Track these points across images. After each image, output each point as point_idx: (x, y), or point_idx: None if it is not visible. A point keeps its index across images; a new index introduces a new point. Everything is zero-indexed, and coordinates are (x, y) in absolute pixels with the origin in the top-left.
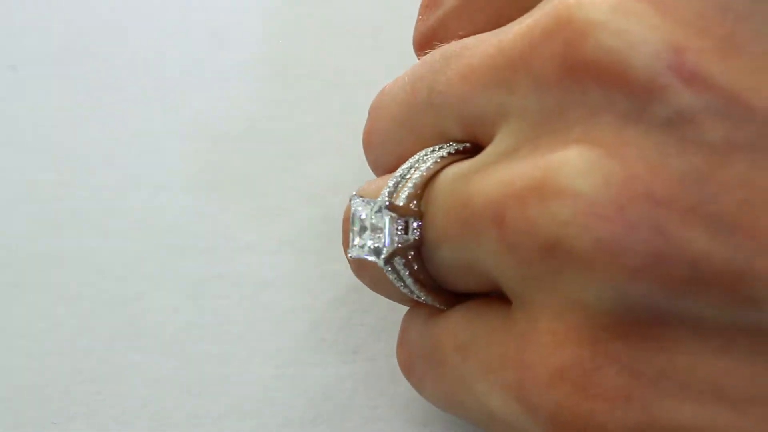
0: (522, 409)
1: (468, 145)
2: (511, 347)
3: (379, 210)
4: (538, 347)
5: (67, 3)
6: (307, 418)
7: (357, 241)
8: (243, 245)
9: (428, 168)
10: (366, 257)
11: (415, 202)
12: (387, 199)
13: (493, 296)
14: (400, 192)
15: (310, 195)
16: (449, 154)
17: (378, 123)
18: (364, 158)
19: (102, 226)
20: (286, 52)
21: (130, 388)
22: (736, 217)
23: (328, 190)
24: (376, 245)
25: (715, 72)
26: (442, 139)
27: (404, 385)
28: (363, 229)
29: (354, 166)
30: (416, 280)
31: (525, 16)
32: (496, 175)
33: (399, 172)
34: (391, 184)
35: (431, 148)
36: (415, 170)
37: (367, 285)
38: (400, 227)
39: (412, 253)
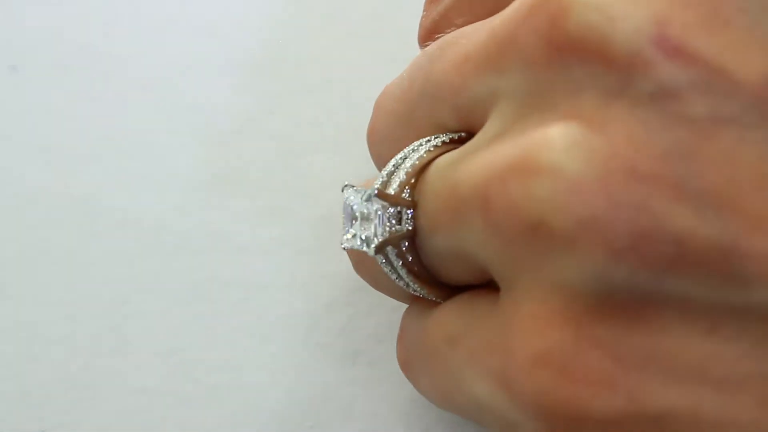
0: (506, 397)
1: (463, 134)
2: (497, 334)
3: (369, 198)
4: (520, 332)
5: (67, 3)
6: (305, 426)
7: (349, 231)
8: (237, 246)
9: (420, 157)
10: (357, 247)
11: (408, 191)
12: (376, 187)
13: (485, 287)
14: (391, 181)
15: (308, 193)
16: (443, 143)
17: (379, 119)
18: (363, 155)
19: (87, 225)
20: (283, 46)
21: (118, 397)
22: (723, 193)
23: (326, 188)
24: (366, 234)
25: (699, 46)
26: (438, 130)
27: (406, 391)
28: (355, 219)
29: (353, 163)
30: (410, 271)
31: None
32: (482, 159)
33: (392, 162)
34: (384, 174)
35: (426, 139)
36: (407, 160)
37: (367, 281)
38: (392, 216)
39: (407, 243)
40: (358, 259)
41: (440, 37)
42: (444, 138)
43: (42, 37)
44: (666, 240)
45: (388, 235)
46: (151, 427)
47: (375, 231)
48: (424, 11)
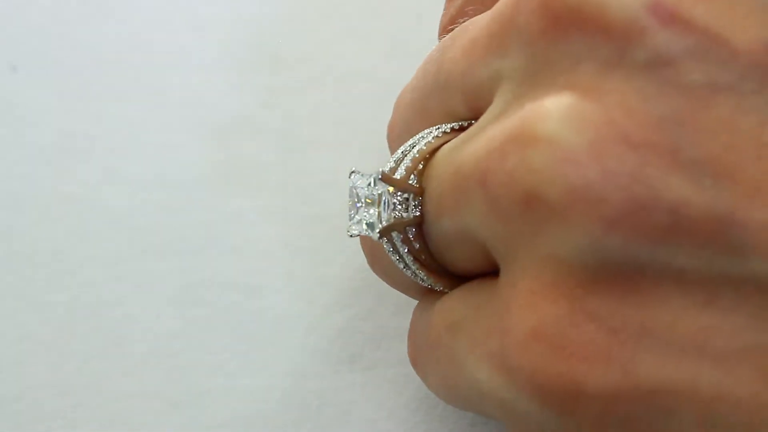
0: (503, 378)
1: (473, 121)
2: (495, 315)
3: (374, 182)
4: (515, 309)
5: (67, 3)
6: None
7: (356, 216)
8: (231, 246)
9: (428, 143)
10: (363, 232)
11: (414, 177)
12: (381, 170)
13: (490, 276)
14: (399, 168)
15: (305, 192)
16: (452, 129)
17: (397, 114)
18: (363, 151)
19: (76, 225)
20: (280, 40)
21: (110, 402)
22: (719, 162)
23: (323, 186)
24: (371, 220)
25: (695, 13)
26: (450, 119)
27: (406, 397)
28: (360, 203)
29: (352, 160)
30: (416, 259)
31: None
32: (483, 137)
33: (401, 149)
34: (392, 160)
35: (435, 126)
36: (415, 147)
37: (380, 276)
38: (398, 202)
39: (414, 230)
40: (371, 253)
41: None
42: (453, 125)
43: (42, 37)
44: (661, 209)
45: (393, 219)
46: None
47: (380, 215)
48: (444, 9)
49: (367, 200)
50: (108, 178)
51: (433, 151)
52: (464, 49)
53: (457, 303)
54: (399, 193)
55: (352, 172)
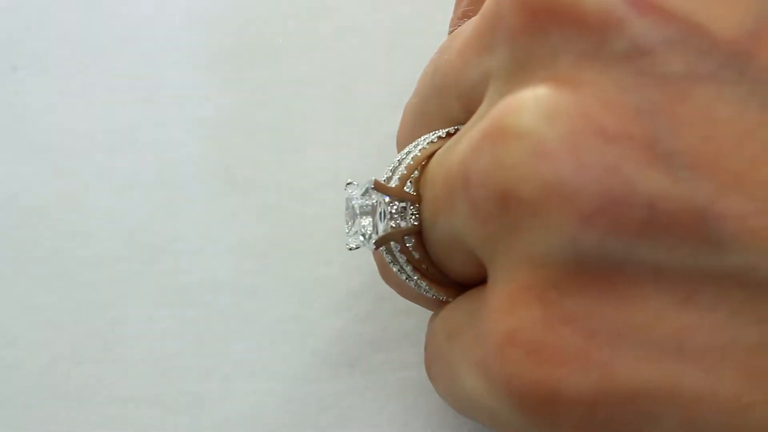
0: (486, 385)
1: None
2: (481, 321)
3: (366, 192)
4: (493, 313)
5: (67, 4)
6: None
7: (352, 228)
8: (226, 247)
9: (422, 149)
10: (360, 244)
11: (410, 185)
12: (373, 179)
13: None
14: (393, 176)
15: (301, 191)
16: (447, 134)
17: (402, 121)
18: (361, 150)
19: (66, 225)
20: (276, 35)
21: (102, 407)
22: (697, 153)
23: (320, 185)
24: (366, 230)
25: (674, 2)
26: (449, 123)
27: (406, 402)
28: (356, 215)
29: (350, 158)
30: (416, 269)
31: None
32: (467, 137)
33: (397, 157)
34: (387, 170)
35: (433, 132)
36: (409, 154)
37: (392, 288)
38: (394, 211)
39: (413, 240)
40: (381, 264)
41: None
42: (450, 129)
43: (43, 37)
44: (637, 203)
45: (390, 229)
46: None
47: (375, 226)
48: (453, 13)
49: (362, 210)
50: (99, 177)
51: (429, 157)
52: (458, 51)
53: (455, 311)
54: (395, 202)
55: (348, 183)
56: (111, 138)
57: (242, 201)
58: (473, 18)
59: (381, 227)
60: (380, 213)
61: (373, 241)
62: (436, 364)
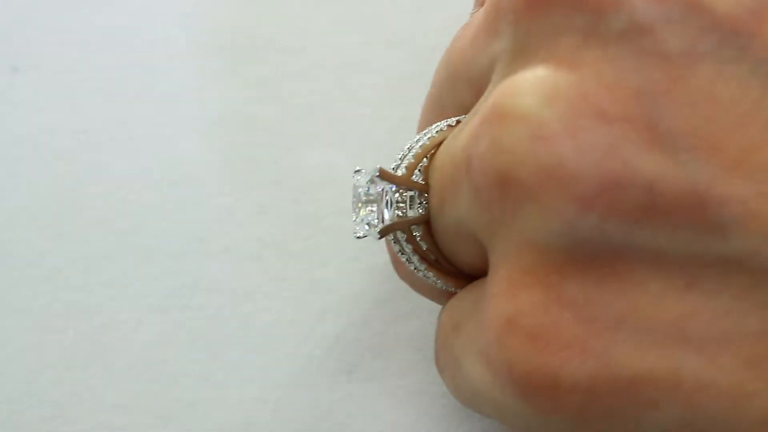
0: (488, 373)
1: None
2: (483, 308)
3: (372, 180)
4: (493, 299)
5: (68, 4)
6: None
7: (358, 217)
8: (219, 248)
9: (431, 137)
10: (365, 233)
11: (419, 174)
12: (378, 167)
13: None
14: (401, 164)
15: (298, 190)
16: (457, 122)
17: (422, 112)
18: (360, 147)
19: (54, 225)
20: (271, 28)
21: (89, 414)
22: (698, 134)
23: (318, 184)
24: (371, 219)
25: None
26: (461, 112)
27: (407, 409)
28: (362, 203)
29: (348, 156)
30: (423, 259)
31: None
32: (471, 121)
33: (407, 145)
34: (397, 158)
35: (443, 120)
36: (418, 142)
37: (405, 282)
38: (400, 200)
39: (421, 230)
40: (393, 255)
41: None
42: (461, 117)
43: (43, 38)
44: (637, 186)
45: (395, 218)
46: None
47: (380, 214)
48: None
49: (367, 198)
50: (88, 175)
51: (438, 146)
52: (469, 39)
53: (461, 301)
54: (402, 191)
55: (356, 170)
56: (100, 135)
57: (236, 200)
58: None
59: (387, 216)
60: (386, 202)
61: (378, 229)
62: (443, 356)
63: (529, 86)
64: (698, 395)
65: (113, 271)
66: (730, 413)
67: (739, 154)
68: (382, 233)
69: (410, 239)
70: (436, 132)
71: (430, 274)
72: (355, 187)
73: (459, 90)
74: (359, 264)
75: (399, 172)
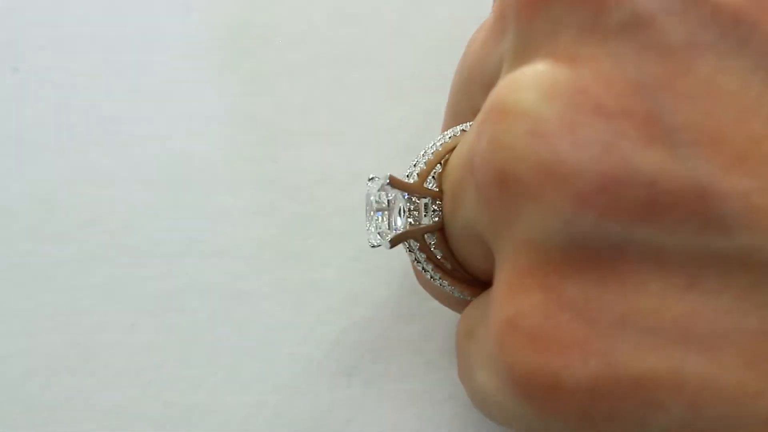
0: (493, 378)
1: None
2: (488, 313)
3: (382, 187)
4: (495, 301)
5: (68, 4)
6: None
7: (371, 225)
8: (214, 249)
9: (444, 143)
10: (378, 243)
11: (433, 180)
12: (388, 174)
13: None
14: (413, 172)
15: (295, 188)
16: (470, 127)
17: (444, 119)
18: (359, 144)
19: (42, 225)
20: (268, 21)
21: (79, 421)
22: (699, 129)
23: (316, 182)
24: (382, 228)
25: None
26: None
27: (407, 415)
28: (375, 211)
29: (347, 154)
30: (437, 267)
31: None
32: (476, 120)
33: (421, 152)
34: (410, 165)
35: (457, 125)
36: (432, 148)
37: (426, 290)
38: (412, 207)
39: (436, 238)
40: (413, 265)
41: None
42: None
43: (44, 38)
44: (636, 183)
45: (408, 226)
46: None
47: (391, 223)
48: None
49: (379, 206)
50: (78, 174)
51: (451, 151)
52: (481, 41)
53: (474, 309)
54: (413, 198)
55: (370, 178)
56: (90, 132)
57: (232, 199)
58: None
59: (399, 224)
60: (399, 210)
61: (388, 238)
62: (461, 365)
63: (528, 82)
64: (701, 395)
65: (104, 272)
66: (734, 413)
67: (741, 149)
68: (394, 242)
69: (423, 247)
70: (449, 137)
71: (445, 282)
72: (368, 195)
73: (473, 94)
74: (359, 264)
75: (411, 180)
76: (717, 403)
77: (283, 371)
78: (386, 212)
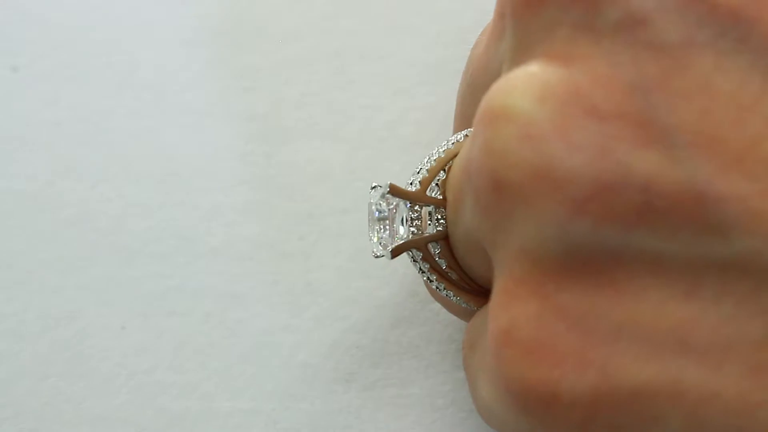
0: (492, 390)
1: None
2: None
3: (383, 196)
4: (492, 312)
5: (68, 4)
6: None
7: (374, 235)
8: (207, 248)
9: (447, 150)
10: (381, 253)
11: (436, 188)
12: (389, 183)
13: None
14: (416, 179)
15: (291, 186)
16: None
17: (453, 123)
18: (357, 141)
19: (27, 225)
20: (263, 12)
21: (68, 427)
22: (695, 129)
23: (312, 180)
24: (383, 238)
25: None
26: None
27: (408, 421)
28: (377, 221)
29: (346, 150)
30: (442, 277)
31: None
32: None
33: (425, 158)
34: (414, 172)
35: (461, 132)
36: (433, 156)
37: (437, 301)
38: (414, 216)
39: (440, 247)
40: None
41: None
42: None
43: (43, 37)
44: (631, 187)
45: (410, 236)
46: None
47: (393, 232)
48: None
49: (380, 215)
50: (65, 171)
51: (454, 157)
52: (485, 44)
53: (477, 319)
54: (417, 207)
55: (373, 187)
56: (78, 127)
57: (225, 197)
58: None
59: (401, 234)
60: (401, 219)
61: (390, 248)
62: (467, 376)
63: (520, 84)
64: (702, 407)
65: (92, 273)
66: (735, 424)
67: (739, 150)
68: (395, 253)
69: (427, 257)
70: (453, 143)
71: (450, 292)
72: (370, 205)
73: (479, 99)
74: (358, 266)
75: (414, 188)
76: (718, 414)
77: (278, 376)
78: (388, 222)
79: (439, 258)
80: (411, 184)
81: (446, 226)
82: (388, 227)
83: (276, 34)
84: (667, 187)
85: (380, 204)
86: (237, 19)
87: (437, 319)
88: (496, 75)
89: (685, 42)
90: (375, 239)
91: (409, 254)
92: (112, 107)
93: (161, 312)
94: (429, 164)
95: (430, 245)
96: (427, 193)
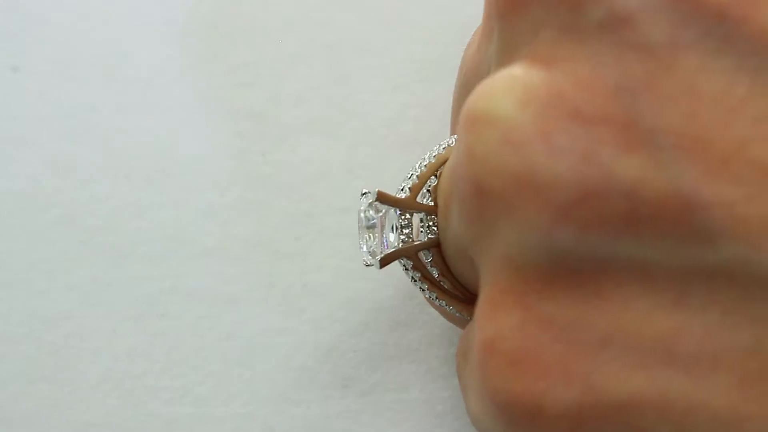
0: (479, 401)
1: None
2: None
3: (370, 204)
4: (477, 323)
5: (68, 4)
6: None
7: (363, 244)
8: (201, 249)
9: (437, 155)
10: (371, 263)
11: (428, 195)
12: (377, 190)
13: None
14: (406, 185)
15: (288, 185)
16: None
17: (450, 126)
18: (356, 138)
19: (15, 224)
20: (260, 6)
21: None
22: (680, 132)
23: (310, 178)
24: (372, 246)
25: None
26: None
27: (407, 426)
28: (366, 229)
29: (344, 147)
30: (433, 285)
31: None
32: None
33: (417, 163)
34: (406, 177)
35: (451, 137)
36: (423, 161)
37: (438, 311)
38: (404, 224)
39: (432, 255)
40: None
41: None
42: None
43: (43, 37)
44: (616, 193)
45: (400, 244)
46: None
47: (381, 241)
48: None
49: (368, 223)
50: (53, 169)
51: (445, 162)
52: (476, 45)
53: (469, 329)
54: (407, 214)
55: (363, 193)
56: (66, 124)
57: (219, 196)
58: None
59: (391, 242)
60: (391, 227)
61: (378, 258)
62: (460, 387)
63: (502, 87)
64: (689, 418)
65: (81, 274)
66: None
67: (725, 154)
68: (383, 262)
69: (418, 266)
70: (444, 148)
71: (442, 301)
72: (359, 212)
73: None
74: (356, 267)
75: (404, 194)
76: (706, 425)
77: (273, 381)
78: (377, 230)
79: (431, 266)
80: (402, 189)
81: (438, 234)
82: (377, 236)
83: (271, 28)
84: (652, 193)
85: (368, 211)
86: (231, 11)
87: (436, 323)
88: (486, 77)
89: (669, 42)
90: (364, 248)
91: (400, 262)
92: (102, 104)
93: (153, 314)
94: (420, 169)
95: (421, 253)
96: (419, 199)
